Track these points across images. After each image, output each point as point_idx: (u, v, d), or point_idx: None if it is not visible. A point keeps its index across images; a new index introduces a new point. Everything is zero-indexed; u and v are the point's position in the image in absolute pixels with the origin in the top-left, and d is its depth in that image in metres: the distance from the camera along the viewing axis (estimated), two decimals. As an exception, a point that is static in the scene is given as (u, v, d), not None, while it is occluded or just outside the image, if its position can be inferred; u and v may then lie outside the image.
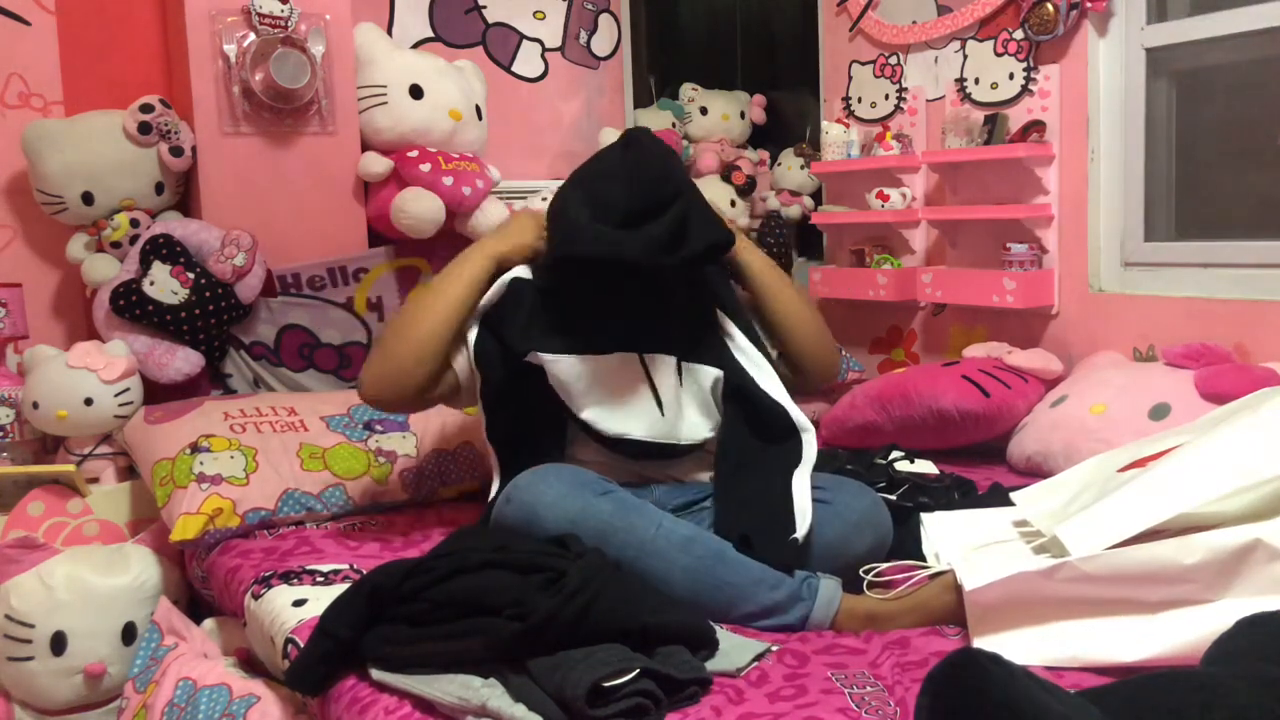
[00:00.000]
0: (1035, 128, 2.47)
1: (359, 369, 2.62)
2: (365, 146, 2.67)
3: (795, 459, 1.69)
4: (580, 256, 1.68)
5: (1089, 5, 2.38)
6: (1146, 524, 1.32)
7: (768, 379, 1.79)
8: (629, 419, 1.74)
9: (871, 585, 1.54)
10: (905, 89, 2.85)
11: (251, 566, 1.86)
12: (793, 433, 1.73)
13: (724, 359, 1.79)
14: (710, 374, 1.79)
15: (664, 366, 1.77)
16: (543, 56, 3.33)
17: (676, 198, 1.68)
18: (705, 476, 1.81)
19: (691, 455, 1.80)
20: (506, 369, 1.75)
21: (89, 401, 2.29)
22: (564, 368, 1.72)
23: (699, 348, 1.80)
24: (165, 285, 2.39)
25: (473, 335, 1.76)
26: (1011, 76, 2.54)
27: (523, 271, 1.79)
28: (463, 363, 1.78)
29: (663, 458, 1.78)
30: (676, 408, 1.77)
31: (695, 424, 1.79)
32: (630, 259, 1.65)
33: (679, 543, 1.51)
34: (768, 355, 1.84)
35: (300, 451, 2.16)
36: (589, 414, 1.73)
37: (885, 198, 2.75)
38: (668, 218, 1.66)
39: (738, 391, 1.77)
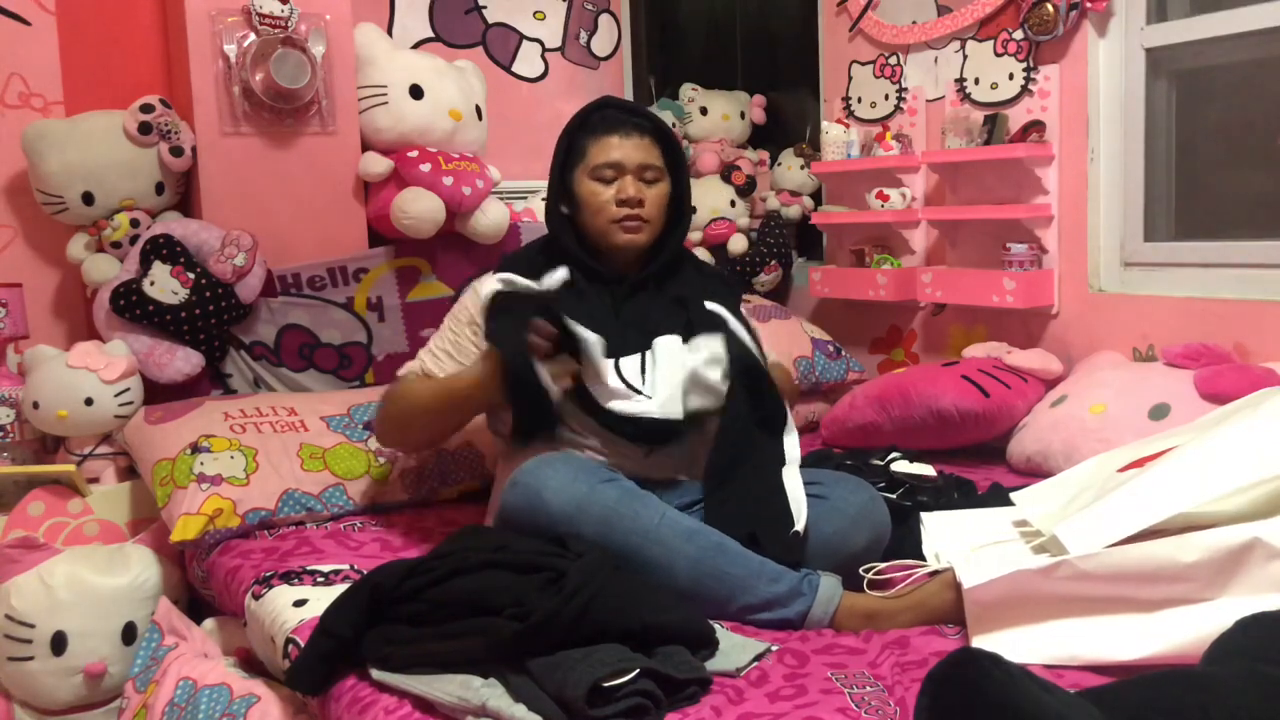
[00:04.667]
0: (1035, 128, 2.47)
1: (359, 369, 2.66)
2: (365, 146, 2.67)
3: (780, 457, 1.70)
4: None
5: (1089, 5, 2.37)
6: (1145, 523, 1.33)
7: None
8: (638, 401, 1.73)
9: (871, 584, 1.55)
10: (905, 89, 2.85)
11: (252, 567, 1.86)
12: (784, 429, 1.74)
13: (731, 336, 1.77)
14: (712, 342, 1.76)
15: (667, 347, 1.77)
16: (543, 56, 3.33)
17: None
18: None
19: (697, 438, 1.78)
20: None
21: (89, 401, 2.29)
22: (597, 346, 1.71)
23: (704, 325, 1.79)
24: (165, 285, 2.39)
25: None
26: (1011, 76, 2.53)
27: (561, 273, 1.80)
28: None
29: (666, 438, 1.76)
30: (672, 387, 1.73)
31: (693, 400, 1.76)
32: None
33: (682, 533, 1.53)
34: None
35: (300, 451, 2.16)
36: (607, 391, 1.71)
37: (885, 198, 2.75)
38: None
39: (749, 371, 1.74)
